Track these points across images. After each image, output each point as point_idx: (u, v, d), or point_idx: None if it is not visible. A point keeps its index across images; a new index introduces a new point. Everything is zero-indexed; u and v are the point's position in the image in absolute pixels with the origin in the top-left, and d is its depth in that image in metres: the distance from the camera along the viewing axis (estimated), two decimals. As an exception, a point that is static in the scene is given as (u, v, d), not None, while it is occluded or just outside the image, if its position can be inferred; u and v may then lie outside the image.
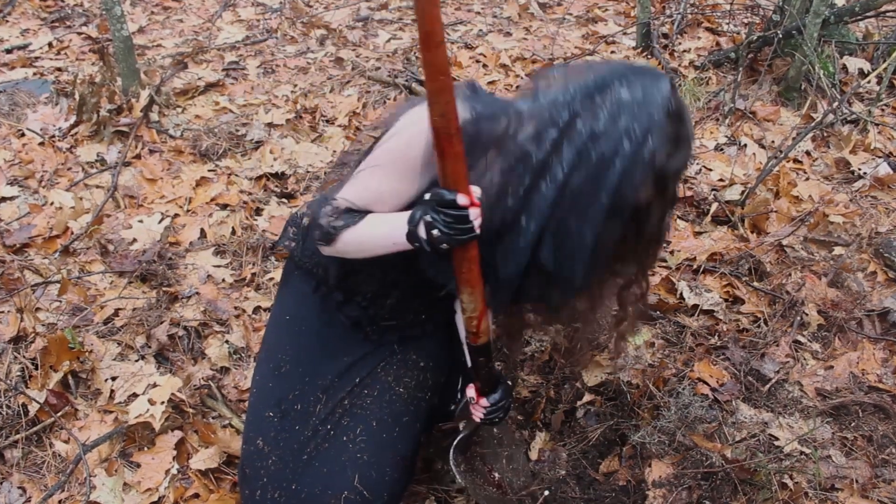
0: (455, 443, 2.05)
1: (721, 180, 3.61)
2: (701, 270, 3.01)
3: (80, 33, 4.99)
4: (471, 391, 1.91)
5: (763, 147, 3.86)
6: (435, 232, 1.46)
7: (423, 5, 1.22)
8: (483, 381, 1.88)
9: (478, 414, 1.94)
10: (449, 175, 1.42)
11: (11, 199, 3.33)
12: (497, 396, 1.89)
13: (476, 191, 1.47)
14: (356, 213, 1.67)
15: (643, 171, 1.43)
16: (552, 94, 1.51)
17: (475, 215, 1.45)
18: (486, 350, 1.78)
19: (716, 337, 2.72)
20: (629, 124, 1.40)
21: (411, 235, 1.51)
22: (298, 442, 1.91)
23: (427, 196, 1.47)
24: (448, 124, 1.33)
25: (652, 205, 1.53)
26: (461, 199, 1.42)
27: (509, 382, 1.92)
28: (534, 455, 2.36)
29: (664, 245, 1.94)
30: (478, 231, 1.48)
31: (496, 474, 2.18)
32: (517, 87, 4.39)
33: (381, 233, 1.64)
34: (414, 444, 2.03)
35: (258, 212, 3.38)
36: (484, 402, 1.90)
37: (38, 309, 2.73)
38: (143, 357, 2.61)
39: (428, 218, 1.46)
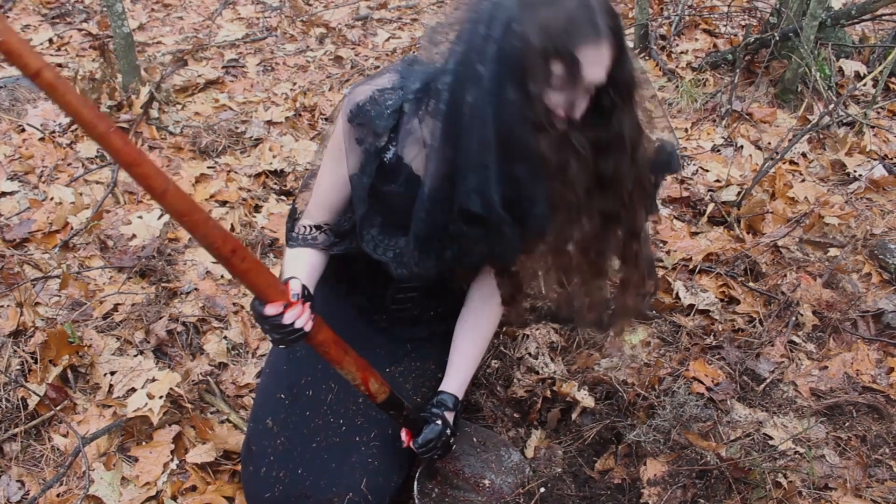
0: (418, 474, 2.06)
1: (717, 181, 3.63)
2: (697, 270, 3.03)
3: (80, 30, 4.99)
4: (404, 435, 1.93)
5: (759, 148, 3.88)
6: (269, 338, 1.52)
7: (118, 160, 1.18)
8: (408, 427, 1.90)
9: (417, 454, 1.96)
10: (252, 289, 1.44)
11: (11, 194, 3.34)
12: (420, 440, 1.89)
13: (294, 287, 1.50)
14: (295, 240, 1.83)
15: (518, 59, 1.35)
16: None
17: (293, 315, 1.46)
18: (391, 404, 1.79)
19: (711, 336, 2.74)
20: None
21: None
22: (308, 428, 1.93)
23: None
24: (219, 251, 1.31)
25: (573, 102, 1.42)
26: (269, 310, 1.44)
27: (438, 422, 1.90)
28: (529, 453, 2.37)
29: (649, 210, 1.76)
30: (306, 328, 1.50)
31: (486, 481, 2.18)
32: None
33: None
34: None
35: (257, 209, 3.39)
36: (414, 444, 1.92)
37: (37, 303, 2.74)
38: (141, 352, 2.62)
39: (259, 328, 1.51)
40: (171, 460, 2.29)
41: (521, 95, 1.37)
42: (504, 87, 1.37)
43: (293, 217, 1.95)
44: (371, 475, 1.88)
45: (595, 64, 1.36)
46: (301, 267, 1.79)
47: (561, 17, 1.33)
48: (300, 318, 1.48)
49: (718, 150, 3.91)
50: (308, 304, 1.52)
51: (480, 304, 1.96)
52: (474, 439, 2.24)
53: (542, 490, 2.21)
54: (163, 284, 2.88)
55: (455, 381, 1.99)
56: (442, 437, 1.90)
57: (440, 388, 1.98)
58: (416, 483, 2.02)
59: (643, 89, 1.55)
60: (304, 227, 1.84)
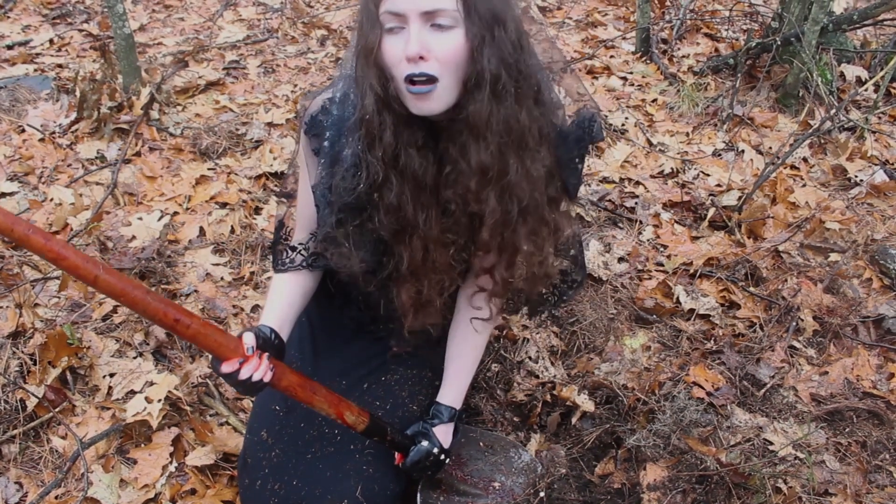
0: (420, 486, 2.04)
1: (718, 185, 3.62)
2: (697, 275, 3.03)
3: (81, 30, 4.99)
4: (396, 457, 1.93)
5: (760, 153, 3.88)
6: (232, 391, 1.53)
7: (44, 257, 1.20)
8: (396, 449, 1.90)
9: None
10: (205, 350, 1.49)
11: (11, 194, 3.34)
12: (407, 462, 1.89)
13: (247, 341, 1.50)
14: (275, 265, 1.84)
15: None
16: None
17: (249, 370, 1.48)
18: (372, 431, 1.79)
19: (712, 341, 2.74)
20: None
21: None
22: (303, 440, 1.92)
23: None
24: (163, 322, 1.36)
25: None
26: (225, 368, 1.47)
27: (423, 443, 1.89)
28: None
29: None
30: (265, 379, 1.51)
31: (496, 484, 2.17)
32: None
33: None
34: None
35: (257, 211, 3.39)
36: (403, 465, 1.91)
37: (36, 304, 2.74)
38: (141, 354, 2.62)
39: (222, 381, 1.52)
40: (170, 463, 2.28)
41: (364, 64, 1.44)
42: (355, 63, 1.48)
43: (275, 242, 1.93)
44: (366, 482, 1.87)
45: None
46: (279, 300, 1.78)
47: None
48: (257, 371, 1.50)
49: (719, 155, 3.91)
50: (265, 354, 1.53)
51: (469, 312, 1.93)
52: (481, 444, 2.24)
53: (542, 495, 2.21)
54: (162, 286, 2.88)
55: (451, 392, 1.97)
56: (429, 456, 1.89)
57: (436, 400, 1.97)
58: (418, 495, 2.02)
59: (530, 30, 1.52)
60: (283, 250, 1.84)
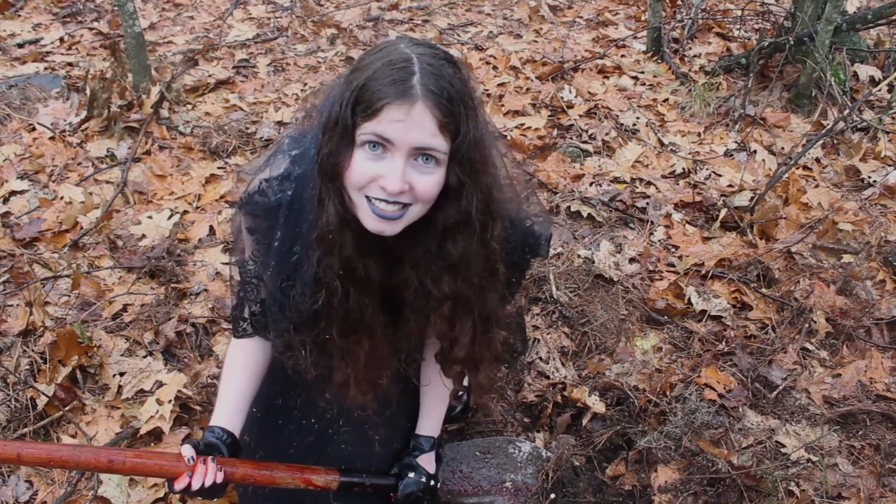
0: None
1: (730, 186, 3.60)
2: (709, 276, 3.01)
3: (91, 29, 5.01)
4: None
5: (773, 153, 3.86)
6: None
7: None
8: (381, 492, 1.91)
9: None
10: (153, 477, 1.63)
11: (22, 192, 3.35)
12: (400, 497, 1.90)
13: (186, 452, 1.54)
14: (238, 329, 1.81)
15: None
16: None
17: (199, 481, 1.53)
18: (346, 486, 1.80)
19: (723, 343, 2.72)
20: None
21: None
22: (283, 437, 1.93)
23: None
24: (98, 468, 1.43)
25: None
26: (177, 487, 1.52)
27: (411, 475, 1.90)
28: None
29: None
30: (217, 480, 1.55)
31: (507, 483, 2.17)
32: (527, 90, 4.40)
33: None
34: None
35: (267, 210, 3.39)
36: (396, 501, 1.93)
37: (47, 303, 2.74)
38: (150, 353, 2.62)
39: None
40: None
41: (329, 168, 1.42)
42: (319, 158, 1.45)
43: (234, 307, 1.88)
44: (348, 461, 1.88)
45: (398, 123, 1.32)
46: (230, 387, 1.79)
47: (366, 78, 1.37)
48: (206, 476, 1.53)
49: (731, 155, 3.89)
50: (209, 458, 1.55)
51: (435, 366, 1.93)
52: (477, 452, 2.23)
53: (553, 496, 2.20)
54: (172, 285, 2.88)
55: (428, 423, 1.98)
56: (420, 486, 1.90)
57: (416, 433, 1.97)
58: None
59: (504, 168, 1.56)
60: (237, 319, 1.83)
